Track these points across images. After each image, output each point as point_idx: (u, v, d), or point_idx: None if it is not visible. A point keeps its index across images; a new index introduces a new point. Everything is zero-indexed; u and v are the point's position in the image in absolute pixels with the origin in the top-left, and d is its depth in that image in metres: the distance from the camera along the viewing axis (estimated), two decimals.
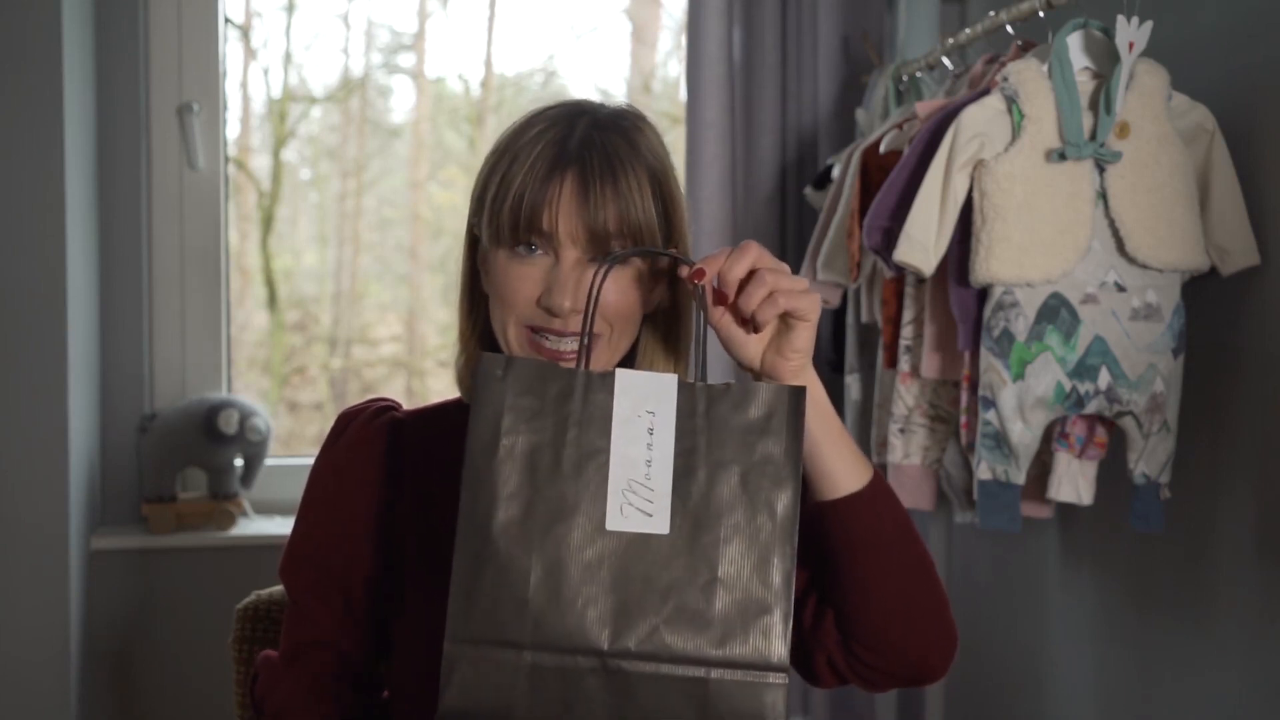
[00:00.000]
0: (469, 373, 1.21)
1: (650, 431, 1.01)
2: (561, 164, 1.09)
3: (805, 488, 1.12)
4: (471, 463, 1.01)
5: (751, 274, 1.05)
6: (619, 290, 1.12)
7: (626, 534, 1.00)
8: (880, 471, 1.15)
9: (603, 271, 1.06)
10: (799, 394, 1.03)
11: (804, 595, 1.18)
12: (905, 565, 1.13)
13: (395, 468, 1.24)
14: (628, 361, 1.21)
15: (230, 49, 2.72)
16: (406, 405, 1.31)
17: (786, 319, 1.06)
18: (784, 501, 1.01)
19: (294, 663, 1.24)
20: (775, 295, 1.04)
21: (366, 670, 1.27)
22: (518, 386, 1.01)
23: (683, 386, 1.02)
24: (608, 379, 1.02)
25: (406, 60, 3.22)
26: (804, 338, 1.07)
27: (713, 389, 1.02)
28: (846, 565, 1.12)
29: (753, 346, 1.08)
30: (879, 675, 1.16)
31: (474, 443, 1.01)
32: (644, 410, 1.01)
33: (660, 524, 1.00)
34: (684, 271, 1.06)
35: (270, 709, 1.25)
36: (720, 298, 1.06)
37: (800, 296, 1.05)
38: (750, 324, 1.06)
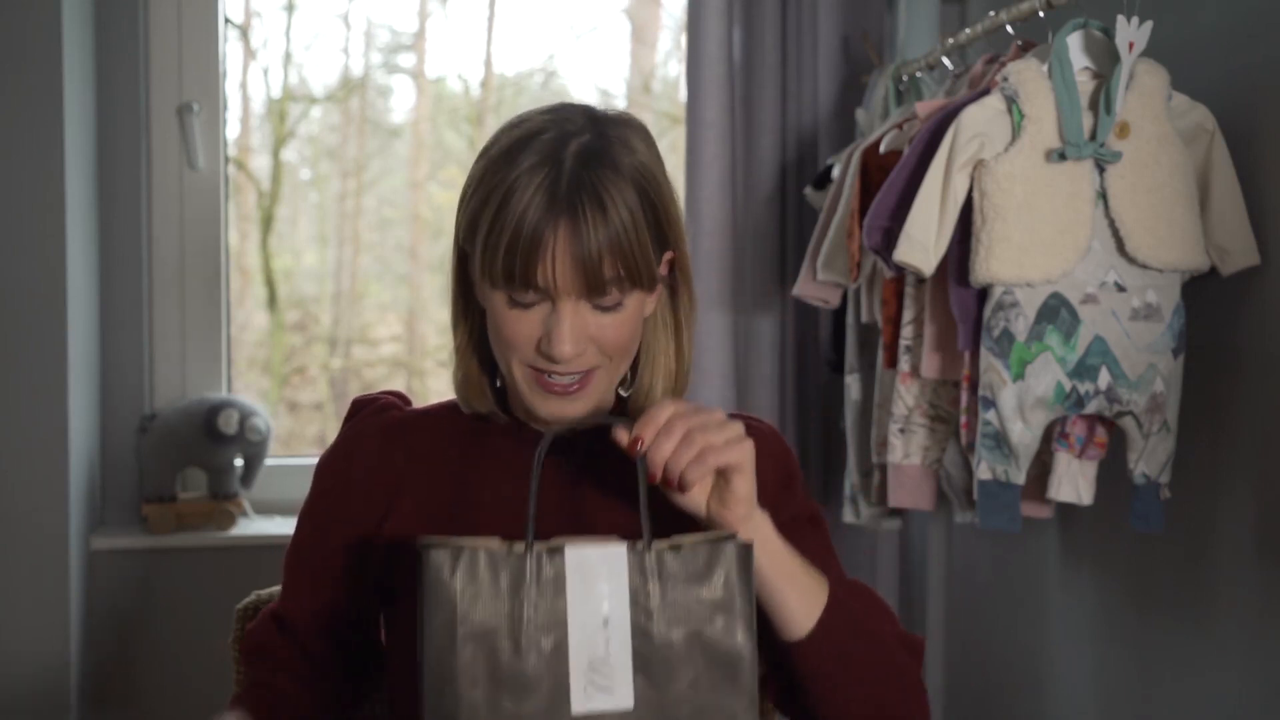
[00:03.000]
0: (468, 386, 1.22)
1: (605, 605, 1.03)
2: (553, 213, 1.07)
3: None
4: (430, 655, 1.03)
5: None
6: (617, 325, 1.12)
7: (592, 714, 1.02)
8: (837, 590, 1.15)
9: (543, 448, 1.08)
10: (746, 550, 1.06)
11: (773, 675, 1.21)
12: (871, 684, 1.16)
13: (396, 467, 1.24)
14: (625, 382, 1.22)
15: (230, 49, 2.72)
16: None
17: (722, 471, 1.08)
18: (744, 657, 1.05)
19: (282, 630, 1.28)
20: (704, 454, 1.05)
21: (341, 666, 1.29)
22: (469, 576, 1.03)
23: (632, 553, 1.04)
24: (557, 557, 1.03)
25: (406, 60, 3.22)
26: (743, 486, 1.08)
27: (662, 553, 1.04)
28: (812, 695, 1.15)
29: (696, 499, 1.10)
30: None
31: (430, 635, 1.03)
32: (597, 584, 1.03)
33: (624, 699, 1.02)
34: (621, 439, 1.07)
35: (249, 649, 1.30)
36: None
37: (728, 450, 1.06)
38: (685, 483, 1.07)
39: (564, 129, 1.11)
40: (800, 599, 1.12)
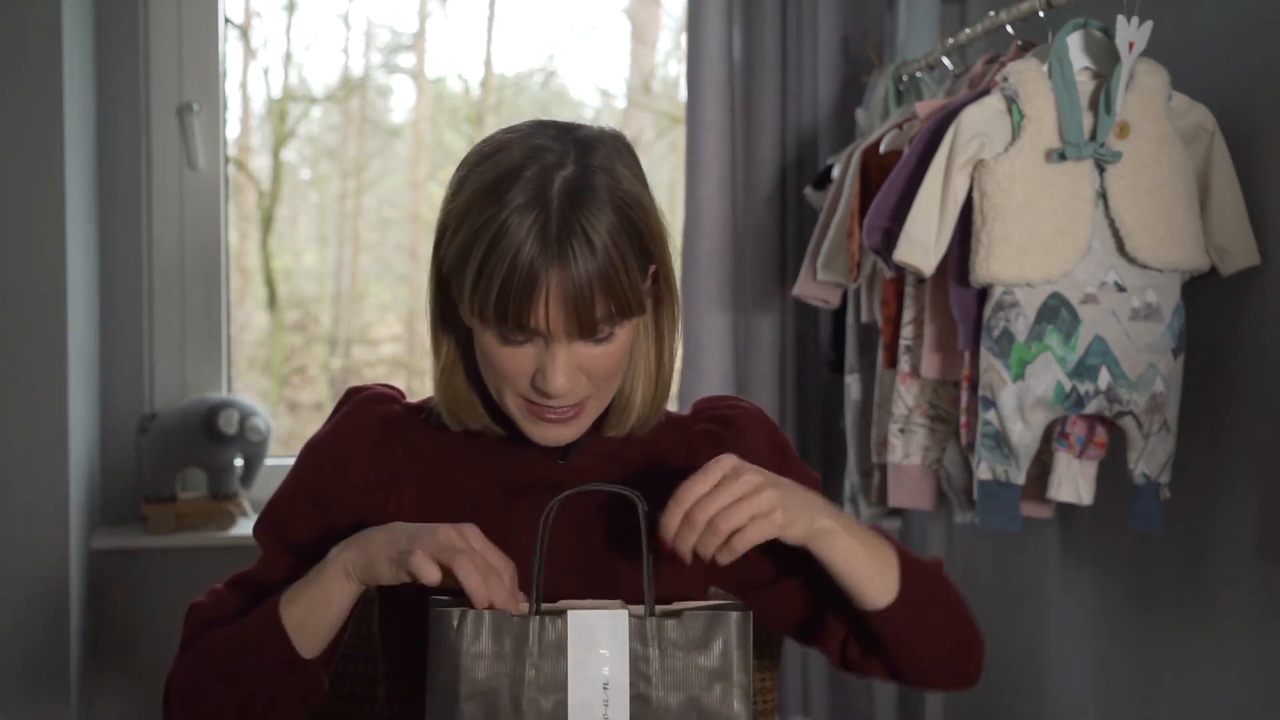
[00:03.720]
0: (458, 405, 1.22)
1: (605, 671, 1.06)
2: (545, 258, 1.06)
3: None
4: (434, 709, 1.05)
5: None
6: (607, 356, 1.13)
7: None
8: (904, 553, 1.19)
9: (551, 512, 1.08)
10: (745, 620, 1.08)
11: (845, 638, 1.25)
12: (946, 639, 1.21)
13: (387, 457, 1.24)
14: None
15: (230, 49, 2.72)
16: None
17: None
18: None
19: (238, 589, 1.27)
20: (732, 541, 1.07)
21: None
22: (473, 636, 1.05)
23: (633, 621, 1.06)
24: (560, 622, 1.05)
25: (406, 60, 3.22)
26: (795, 534, 1.10)
27: (663, 622, 1.06)
28: (893, 652, 1.20)
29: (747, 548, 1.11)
30: (918, 689, 1.28)
31: (434, 691, 1.05)
32: (597, 650, 1.06)
33: None
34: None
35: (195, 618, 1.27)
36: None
37: (753, 528, 1.07)
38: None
39: (545, 161, 1.10)
40: (874, 581, 1.15)
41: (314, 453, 1.27)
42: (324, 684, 1.22)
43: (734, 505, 1.07)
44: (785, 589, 1.25)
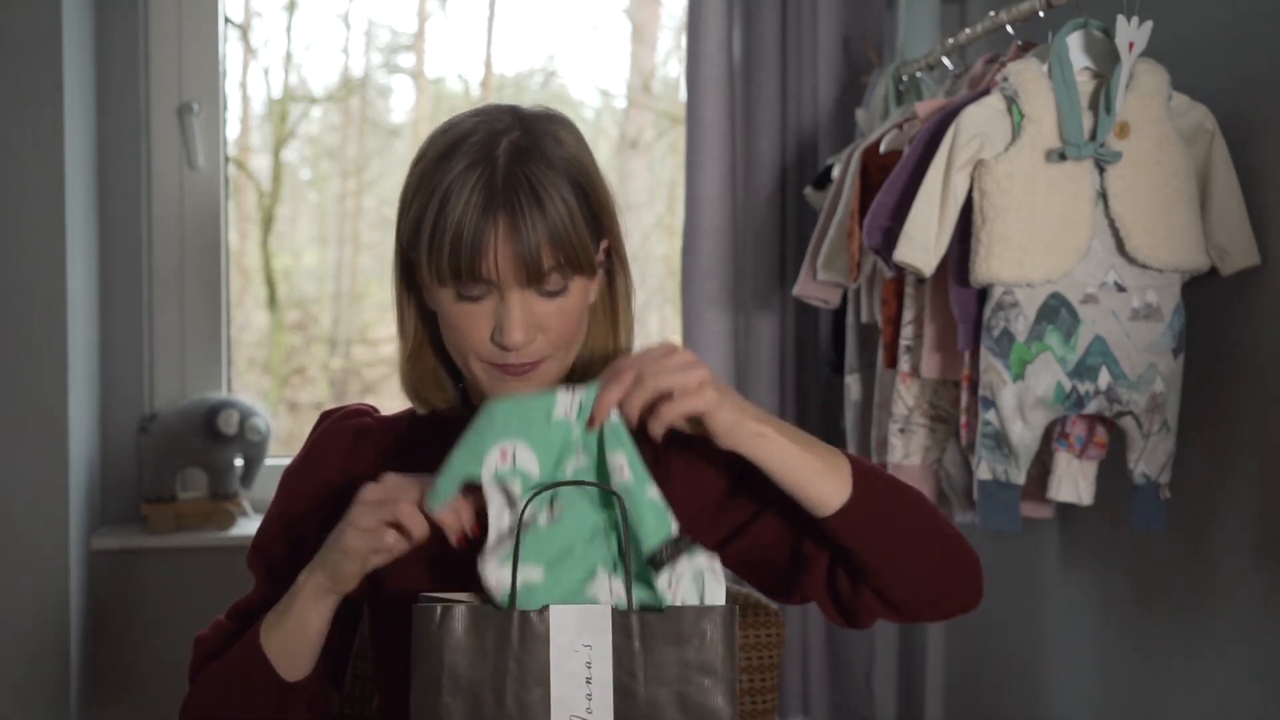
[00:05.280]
0: (424, 384, 1.24)
1: (588, 665, 1.05)
2: (492, 209, 1.10)
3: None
4: (417, 704, 1.05)
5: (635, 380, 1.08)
6: (562, 312, 1.15)
7: None
8: (861, 460, 1.16)
9: (524, 507, 1.08)
10: (730, 613, 1.07)
11: (832, 568, 1.20)
12: (917, 544, 1.16)
13: (359, 464, 1.26)
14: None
15: (230, 49, 2.72)
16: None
17: (692, 419, 1.09)
18: (725, 716, 1.06)
19: (235, 618, 1.29)
20: (659, 409, 1.07)
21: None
22: (455, 631, 1.05)
23: (616, 614, 1.06)
24: (544, 616, 1.05)
25: (406, 60, 3.22)
26: (721, 421, 1.09)
27: (646, 617, 1.06)
28: (863, 561, 1.15)
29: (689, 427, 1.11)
30: (924, 620, 1.22)
31: (417, 686, 1.05)
32: (580, 645, 1.05)
33: None
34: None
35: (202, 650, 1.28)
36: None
37: (684, 399, 1.07)
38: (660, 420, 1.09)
39: (493, 128, 1.14)
40: (824, 483, 1.12)
41: (291, 476, 1.30)
42: (329, 700, 1.23)
43: (664, 369, 1.08)
44: (766, 522, 1.22)
